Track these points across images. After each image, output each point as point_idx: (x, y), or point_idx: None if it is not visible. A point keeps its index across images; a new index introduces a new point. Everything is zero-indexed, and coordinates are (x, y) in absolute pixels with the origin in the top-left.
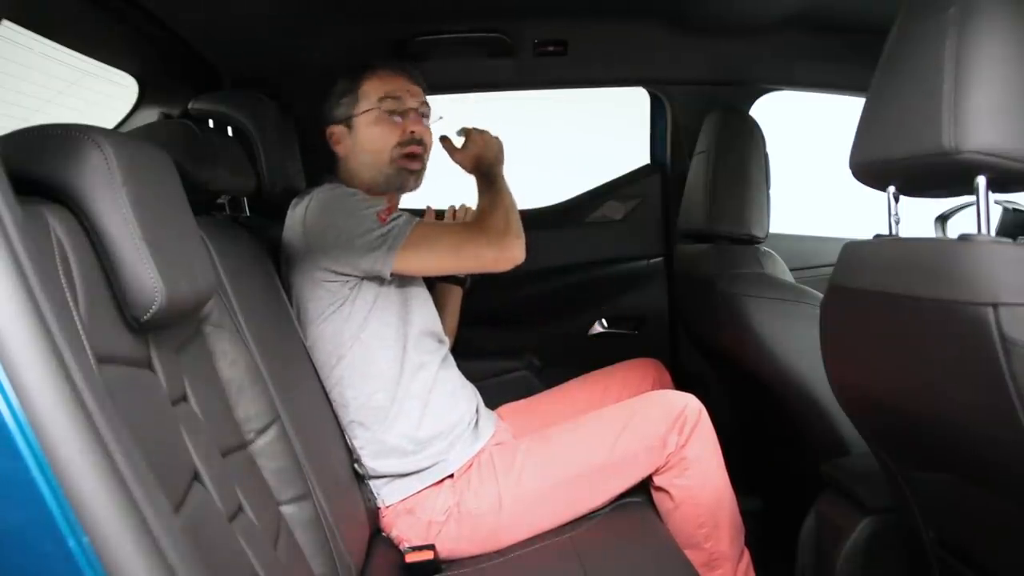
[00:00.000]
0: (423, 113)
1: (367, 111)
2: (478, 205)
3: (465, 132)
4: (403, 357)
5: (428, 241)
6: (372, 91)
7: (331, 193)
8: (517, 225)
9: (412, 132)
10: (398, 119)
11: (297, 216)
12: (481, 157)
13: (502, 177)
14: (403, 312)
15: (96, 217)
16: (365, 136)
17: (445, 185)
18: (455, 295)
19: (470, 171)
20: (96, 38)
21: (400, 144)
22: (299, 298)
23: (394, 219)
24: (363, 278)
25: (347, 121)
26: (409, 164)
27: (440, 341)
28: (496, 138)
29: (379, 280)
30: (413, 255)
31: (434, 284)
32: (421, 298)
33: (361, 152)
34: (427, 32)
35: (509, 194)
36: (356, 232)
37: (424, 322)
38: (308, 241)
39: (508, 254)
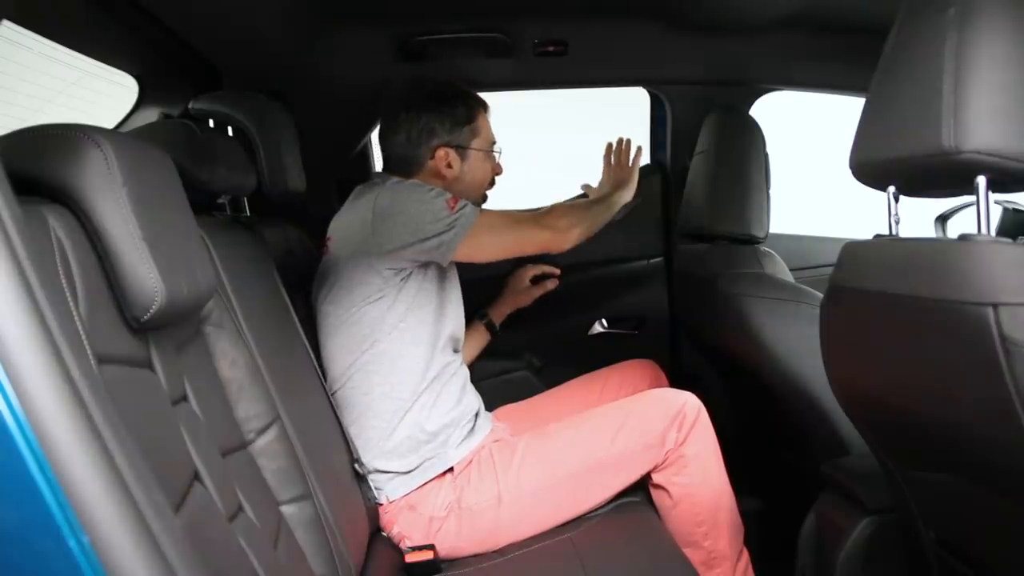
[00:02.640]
0: None
1: (483, 150)
2: (584, 198)
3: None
4: (431, 356)
5: (492, 227)
6: (485, 129)
7: (401, 184)
8: (586, 223)
9: (499, 174)
10: (496, 162)
11: (365, 202)
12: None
13: (614, 200)
14: (439, 312)
15: (96, 217)
16: (475, 169)
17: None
18: (482, 338)
19: (615, 183)
20: (96, 38)
21: (491, 183)
22: (347, 279)
23: (461, 207)
24: (416, 268)
25: (461, 151)
26: (485, 198)
27: (457, 351)
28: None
29: (428, 272)
30: (476, 241)
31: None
32: (456, 303)
33: (469, 181)
34: (427, 32)
35: (604, 212)
36: (426, 219)
37: (455, 326)
38: (376, 225)
39: (561, 240)
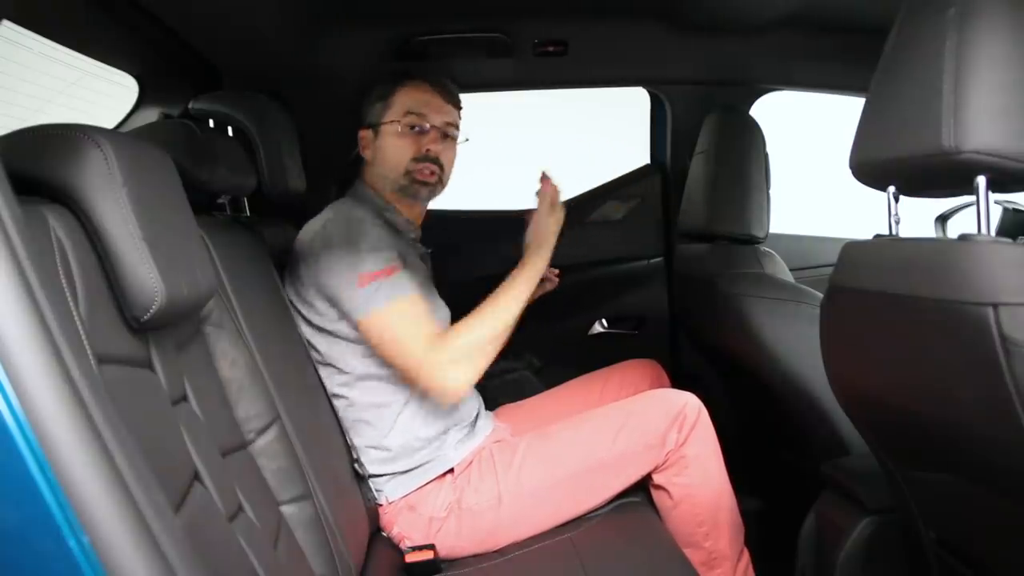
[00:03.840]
0: (447, 132)
1: (392, 122)
2: (485, 304)
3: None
4: None
5: (390, 324)
6: (401, 102)
7: (346, 223)
8: (481, 357)
9: (428, 150)
10: (419, 135)
11: (317, 224)
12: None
13: (536, 270)
14: None
15: (96, 217)
16: (386, 146)
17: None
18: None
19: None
20: (96, 38)
21: (415, 160)
22: (331, 288)
23: (375, 287)
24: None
25: (375, 127)
26: (423, 179)
27: None
28: (553, 221)
29: None
30: (372, 327)
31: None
32: (441, 312)
33: (381, 161)
34: (427, 32)
35: (515, 309)
36: (342, 284)
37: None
38: (310, 258)
39: (437, 385)
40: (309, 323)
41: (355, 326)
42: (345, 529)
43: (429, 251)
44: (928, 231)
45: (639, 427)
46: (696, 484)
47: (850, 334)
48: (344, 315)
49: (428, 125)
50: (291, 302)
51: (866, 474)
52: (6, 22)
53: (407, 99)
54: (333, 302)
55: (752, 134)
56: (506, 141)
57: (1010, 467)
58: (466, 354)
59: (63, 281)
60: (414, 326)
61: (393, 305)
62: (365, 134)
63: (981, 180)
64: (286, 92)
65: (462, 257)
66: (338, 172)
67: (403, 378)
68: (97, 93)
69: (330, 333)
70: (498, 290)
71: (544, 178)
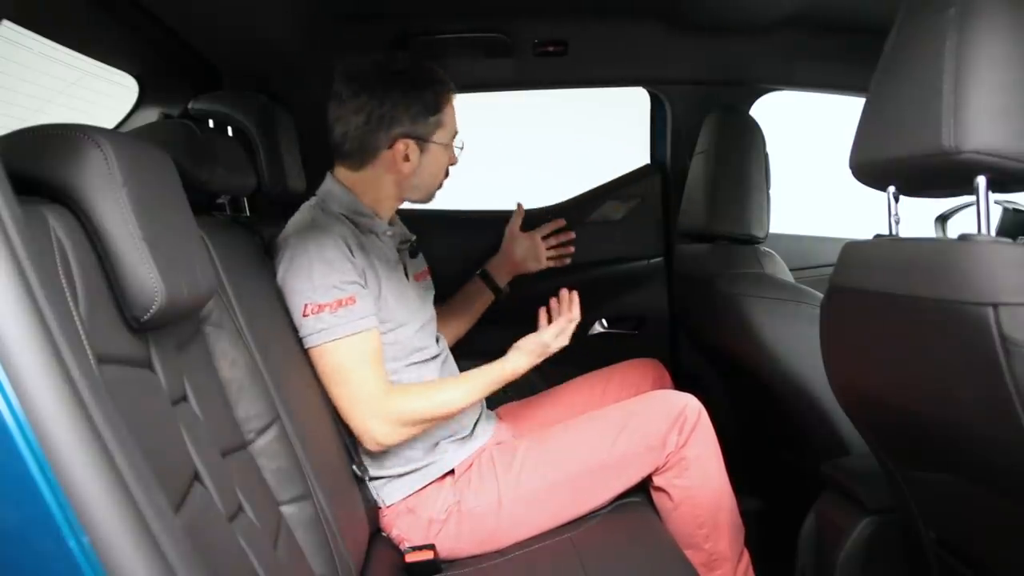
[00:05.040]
0: None
1: (446, 144)
2: (448, 381)
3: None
4: (398, 373)
5: (331, 367)
6: (450, 120)
7: (316, 243)
8: (423, 428)
9: (454, 164)
10: (453, 153)
11: (284, 235)
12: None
13: (512, 375)
14: (395, 327)
15: (96, 217)
16: (434, 163)
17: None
18: (486, 301)
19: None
20: (96, 38)
21: (445, 175)
22: (287, 304)
23: (321, 319)
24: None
25: (422, 141)
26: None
27: (438, 360)
28: (555, 340)
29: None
30: (318, 357)
31: (467, 286)
32: (414, 310)
33: (426, 175)
34: (427, 32)
35: (473, 398)
36: (299, 301)
37: (417, 336)
38: (277, 265)
39: (370, 440)
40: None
41: (306, 346)
42: (345, 529)
43: (413, 237)
44: (928, 231)
45: (639, 429)
46: (696, 486)
47: (850, 334)
48: (301, 338)
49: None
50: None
51: (866, 474)
52: (6, 22)
53: (453, 116)
54: (295, 314)
55: (752, 134)
56: (506, 141)
57: (1010, 467)
58: (406, 420)
59: (63, 281)
60: (359, 369)
61: (339, 344)
62: (408, 145)
63: (981, 180)
64: (286, 92)
65: (461, 258)
66: None
67: (341, 413)
68: (97, 93)
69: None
70: (467, 374)
71: (568, 300)
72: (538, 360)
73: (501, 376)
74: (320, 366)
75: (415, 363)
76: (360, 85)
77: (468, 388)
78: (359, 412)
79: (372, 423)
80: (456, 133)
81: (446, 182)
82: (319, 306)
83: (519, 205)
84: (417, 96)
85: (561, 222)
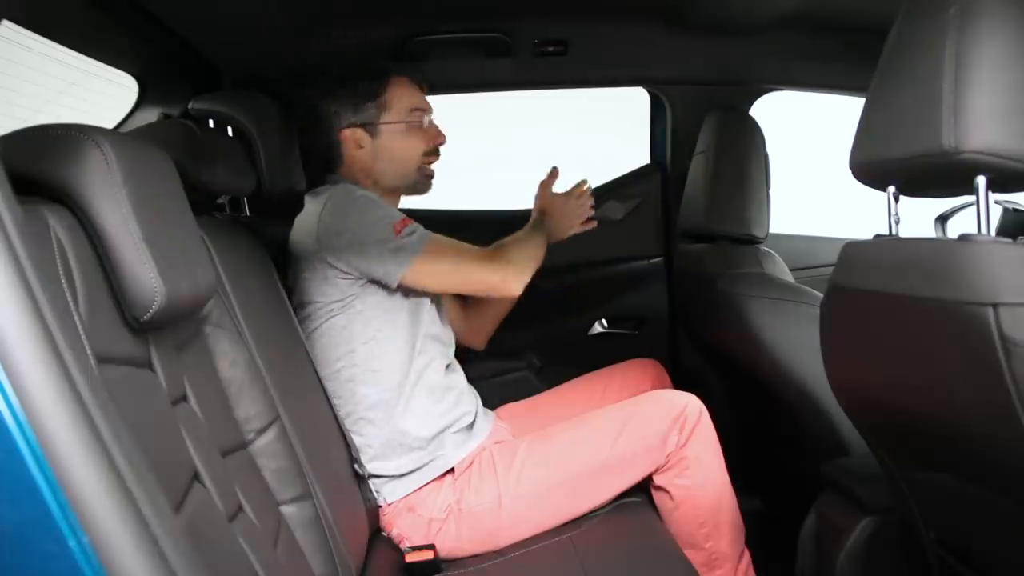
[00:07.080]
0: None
1: (396, 122)
2: (517, 235)
3: (581, 186)
4: (412, 356)
5: (438, 260)
6: (398, 101)
7: (348, 196)
8: (532, 268)
9: (440, 142)
10: (424, 130)
11: (311, 214)
12: (559, 214)
13: (551, 236)
14: (414, 313)
15: (96, 217)
16: (394, 145)
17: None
18: (507, 303)
19: (540, 207)
20: (96, 38)
21: (426, 153)
22: (308, 293)
23: (409, 233)
24: (370, 280)
25: (370, 127)
26: (430, 173)
27: (445, 344)
28: (580, 210)
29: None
30: (421, 272)
31: None
32: (429, 302)
33: (389, 159)
34: (426, 32)
35: (543, 247)
36: (370, 239)
37: (432, 323)
38: (321, 240)
39: (510, 286)
40: (329, 304)
41: (397, 277)
42: (345, 529)
43: None
44: (928, 231)
45: (640, 429)
46: (697, 485)
47: (850, 334)
48: (384, 274)
49: (430, 119)
50: (305, 289)
51: (866, 474)
52: (6, 22)
53: (404, 97)
54: (366, 261)
55: (752, 134)
56: (506, 141)
57: (1010, 467)
58: (521, 263)
59: (63, 281)
60: (455, 247)
61: (431, 243)
62: (357, 134)
63: (981, 180)
64: (286, 92)
65: None
66: None
67: (474, 287)
68: (97, 93)
69: (350, 305)
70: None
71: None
72: (561, 218)
73: (546, 236)
74: (431, 267)
75: (431, 337)
76: (308, 105)
77: (527, 242)
78: (486, 271)
79: (500, 273)
80: (412, 109)
81: (445, 183)
82: (403, 222)
83: (554, 168)
84: (352, 89)
85: (587, 182)
